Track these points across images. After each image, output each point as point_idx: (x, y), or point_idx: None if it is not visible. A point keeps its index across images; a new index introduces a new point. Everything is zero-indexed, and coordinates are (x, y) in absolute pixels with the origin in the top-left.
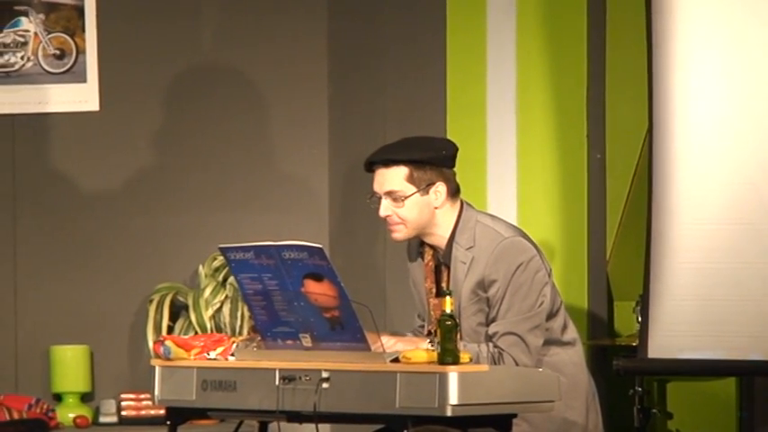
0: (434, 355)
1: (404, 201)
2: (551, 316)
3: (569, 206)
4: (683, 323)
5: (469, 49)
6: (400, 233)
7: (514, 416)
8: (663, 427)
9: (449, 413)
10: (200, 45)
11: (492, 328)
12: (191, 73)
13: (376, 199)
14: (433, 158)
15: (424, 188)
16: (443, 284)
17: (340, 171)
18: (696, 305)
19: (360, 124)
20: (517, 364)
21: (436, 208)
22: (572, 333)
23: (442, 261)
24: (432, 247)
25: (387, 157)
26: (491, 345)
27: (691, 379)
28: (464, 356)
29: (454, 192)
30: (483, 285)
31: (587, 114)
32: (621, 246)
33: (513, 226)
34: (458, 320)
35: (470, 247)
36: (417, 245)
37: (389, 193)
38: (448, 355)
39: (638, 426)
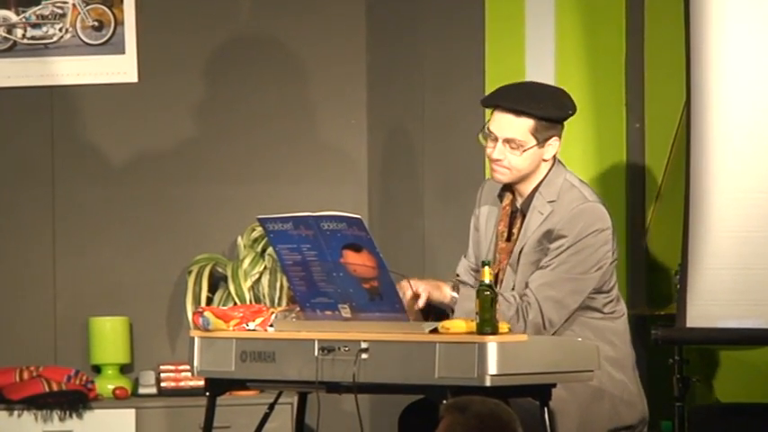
0: (473, 325)
1: (522, 152)
2: (604, 292)
3: (608, 175)
4: (721, 292)
5: (508, 18)
6: (504, 177)
7: (554, 385)
8: (702, 396)
9: (488, 383)
10: (238, 15)
11: (536, 275)
12: (229, 43)
13: (489, 134)
14: (561, 117)
15: (542, 142)
16: (515, 231)
17: (379, 141)
18: (734, 274)
19: (398, 94)
20: (543, 320)
21: (544, 161)
22: (621, 306)
23: (520, 208)
24: (512, 192)
25: (518, 108)
26: (522, 297)
27: (730, 348)
28: (503, 326)
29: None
30: (550, 236)
31: (626, 83)
32: (660, 215)
33: (599, 196)
34: (515, 267)
35: (552, 201)
36: (499, 188)
37: (509, 140)
38: (487, 325)
39: (678, 395)
